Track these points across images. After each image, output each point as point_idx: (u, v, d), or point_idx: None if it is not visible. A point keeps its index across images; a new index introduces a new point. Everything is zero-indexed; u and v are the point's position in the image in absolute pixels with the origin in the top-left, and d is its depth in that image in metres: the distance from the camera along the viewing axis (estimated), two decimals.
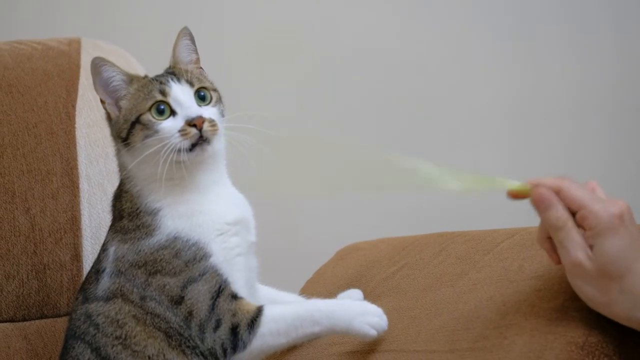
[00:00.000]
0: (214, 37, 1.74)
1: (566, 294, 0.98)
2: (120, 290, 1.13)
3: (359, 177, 1.05)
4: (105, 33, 1.78)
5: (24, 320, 1.40)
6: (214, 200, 1.17)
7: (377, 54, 2.08)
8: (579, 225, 0.92)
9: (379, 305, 1.15)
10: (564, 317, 0.97)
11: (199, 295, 1.11)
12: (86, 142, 1.49)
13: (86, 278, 1.20)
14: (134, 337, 1.11)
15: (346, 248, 1.52)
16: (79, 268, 1.43)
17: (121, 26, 2.09)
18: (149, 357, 1.10)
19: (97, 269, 1.16)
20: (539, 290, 1.02)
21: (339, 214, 2.09)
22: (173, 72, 1.19)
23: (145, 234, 1.13)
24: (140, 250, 1.13)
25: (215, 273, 1.12)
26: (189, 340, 1.11)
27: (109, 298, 1.13)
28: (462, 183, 1.00)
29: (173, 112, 1.15)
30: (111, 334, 1.12)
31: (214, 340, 1.10)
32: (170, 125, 1.13)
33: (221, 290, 1.11)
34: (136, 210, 1.15)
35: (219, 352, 1.10)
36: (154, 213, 1.14)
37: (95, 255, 1.23)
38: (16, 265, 1.39)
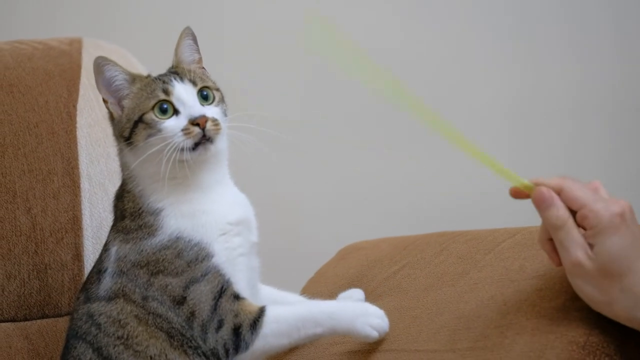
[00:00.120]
0: (214, 37, 1.74)
1: (567, 293, 0.98)
2: (122, 290, 1.13)
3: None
4: (106, 33, 1.78)
5: (26, 320, 1.40)
6: (216, 200, 1.17)
7: (377, 54, 2.07)
8: (580, 224, 0.92)
9: (380, 304, 1.15)
10: (565, 316, 0.97)
11: (201, 295, 1.11)
12: (87, 141, 1.49)
13: (87, 278, 1.19)
14: (136, 337, 1.11)
15: (347, 247, 1.52)
16: (80, 268, 1.43)
17: (122, 26, 2.09)
18: (151, 357, 1.10)
19: (98, 269, 1.16)
20: (540, 289, 1.02)
21: (340, 213, 2.09)
22: (176, 72, 1.19)
23: (148, 234, 1.13)
24: (142, 250, 1.13)
25: (218, 273, 1.12)
26: (191, 341, 1.11)
27: (110, 298, 1.13)
28: (476, 153, 1.00)
29: (176, 112, 1.15)
30: (113, 334, 1.12)
31: (216, 341, 1.10)
32: (173, 124, 1.13)
33: (223, 291, 1.11)
34: (138, 210, 1.15)
35: (221, 352, 1.10)
36: (156, 213, 1.14)
37: (97, 255, 1.23)
38: (17, 265, 1.39)
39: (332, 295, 1.30)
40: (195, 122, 1.13)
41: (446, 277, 1.18)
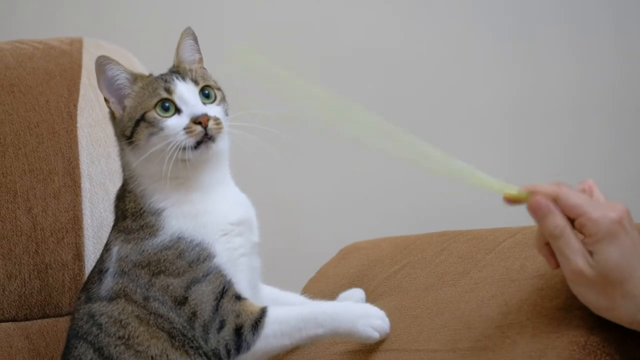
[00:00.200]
0: (214, 37, 1.74)
1: (568, 293, 0.98)
2: (124, 291, 1.13)
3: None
4: (106, 33, 1.78)
5: (26, 319, 1.40)
6: (217, 200, 1.17)
7: (377, 54, 2.08)
8: (578, 231, 0.92)
9: (381, 304, 1.15)
10: (566, 316, 0.97)
11: (203, 296, 1.11)
12: (88, 141, 1.49)
13: (88, 278, 1.19)
14: (137, 337, 1.11)
15: (348, 247, 1.52)
16: (81, 267, 1.43)
17: (122, 26, 2.09)
18: (152, 358, 1.10)
19: (100, 269, 1.16)
20: (540, 289, 1.02)
21: (340, 213, 2.09)
22: (177, 71, 1.19)
23: (149, 234, 1.13)
24: (143, 251, 1.13)
25: (219, 274, 1.12)
26: (192, 341, 1.11)
27: (112, 298, 1.13)
28: (459, 173, 0.99)
29: (178, 110, 1.15)
30: (114, 334, 1.12)
31: (218, 341, 1.10)
32: (175, 123, 1.13)
33: (225, 291, 1.11)
34: (140, 210, 1.15)
35: (223, 352, 1.10)
36: (157, 213, 1.14)
37: (97, 255, 1.23)
38: (18, 265, 1.39)
39: (332, 294, 1.30)
40: (197, 120, 1.13)
41: (447, 276, 1.18)
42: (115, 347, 1.11)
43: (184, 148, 1.12)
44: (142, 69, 1.53)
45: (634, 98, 1.99)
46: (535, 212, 0.92)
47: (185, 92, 1.15)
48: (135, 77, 1.19)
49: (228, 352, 1.10)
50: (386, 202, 2.08)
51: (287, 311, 1.11)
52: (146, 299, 1.12)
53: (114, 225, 1.19)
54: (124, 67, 1.19)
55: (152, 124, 1.14)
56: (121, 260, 1.14)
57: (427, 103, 2.08)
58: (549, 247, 0.94)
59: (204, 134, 1.13)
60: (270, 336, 1.10)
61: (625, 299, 0.89)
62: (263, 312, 1.10)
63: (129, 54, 1.60)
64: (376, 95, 2.10)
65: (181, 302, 1.11)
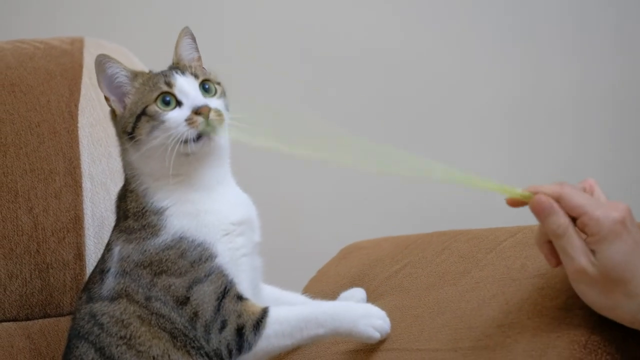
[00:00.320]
0: (214, 37, 1.74)
1: (569, 292, 0.98)
2: (125, 291, 1.13)
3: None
4: (107, 32, 1.79)
5: (27, 319, 1.40)
6: (219, 199, 1.17)
7: (377, 54, 2.08)
8: (581, 230, 0.92)
9: (382, 304, 1.16)
10: (567, 315, 0.97)
11: (205, 296, 1.11)
12: (89, 141, 1.49)
13: (90, 278, 1.19)
14: (139, 337, 1.11)
15: (349, 247, 1.52)
16: (82, 267, 1.43)
17: (123, 26, 2.09)
18: (154, 358, 1.10)
19: (101, 269, 1.16)
20: (541, 288, 1.02)
21: (341, 213, 2.09)
22: (177, 67, 1.20)
23: (151, 233, 1.13)
24: (145, 250, 1.13)
25: (221, 274, 1.12)
26: (194, 341, 1.11)
27: (113, 298, 1.13)
28: (459, 177, 0.99)
29: (179, 103, 1.15)
30: (116, 334, 1.12)
31: (220, 341, 1.10)
32: (176, 115, 1.13)
33: (227, 291, 1.11)
34: (142, 209, 1.15)
35: (224, 353, 1.10)
36: (159, 212, 1.14)
37: (98, 255, 1.23)
38: (19, 265, 1.39)
39: (333, 294, 1.30)
40: (198, 111, 1.13)
41: (448, 276, 1.18)
42: (116, 347, 1.11)
43: (186, 141, 1.12)
44: (142, 68, 1.53)
45: (634, 98, 2.00)
46: (538, 211, 0.93)
47: (186, 85, 1.15)
48: (135, 75, 1.19)
49: (230, 352, 1.10)
50: (387, 202, 2.08)
51: (288, 311, 1.11)
52: (148, 299, 1.12)
53: (115, 225, 1.19)
54: (124, 65, 1.19)
55: (153, 117, 1.14)
56: (123, 260, 1.14)
57: (427, 103, 2.08)
58: (549, 246, 0.94)
59: (205, 124, 1.13)
60: (272, 336, 1.10)
61: (627, 298, 0.89)
62: (264, 312, 1.11)
63: (130, 54, 1.60)
64: (376, 95, 2.11)
65: (183, 302, 1.11)
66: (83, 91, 1.51)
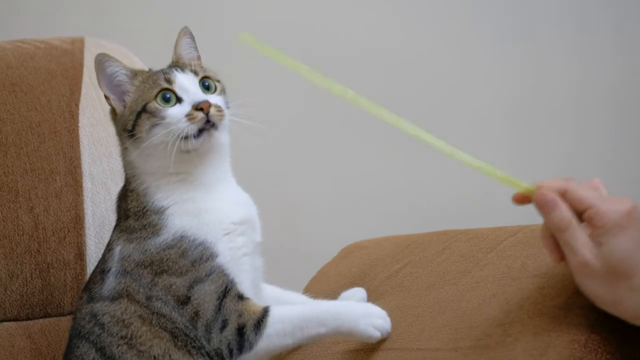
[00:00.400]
0: (214, 37, 1.74)
1: (569, 291, 0.98)
2: (126, 290, 1.13)
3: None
4: (108, 32, 1.79)
5: (28, 319, 1.40)
6: (219, 198, 1.17)
7: (377, 54, 2.08)
8: (587, 223, 0.92)
9: (382, 303, 1.16)
10: (567, 314, 0.97)
11: (206, 295, 1.11)
12: (89, 141, 1.49)
13: (91, 278, 1.19)
14: (140, 337, 1.11)
15: (350, 246, 1.53)
16: (83, 267, 1.43)
17: (123, 26, 2.09)
18: (155, 357, 1.10)
19: (102, 269, 1.16)
20: (541, 288, 1.02)
21: (341, 213, 2.09)
22: (177, 65, 1.20)
23: (152, 233, 1.13)
24: (146, 250, 1.13)
25: (222, 273, 1.12)
26: (195, 341, 1.11)
27: (114, 298, 1.13)
28: (475, 162, 1.00)
29: (179, 100, 1.15)
30: (116, 334, 1.12)
31: (220, 341, 1.10)
32: (177, 111, 1.14)
33: (227, 291, 1.11)
34: (143, 209, 1.15)
35: (225, 352, 1.10)
36: (160, 211, 1.14)
37: (99, 254, 1.23)
38: (20, 264, 1.39)
39: (334, 294, 1.30)
40: (198, 107, 1.13)
41: (448, 275, 1.19)
42: (117, 347, 1.11)
43: (187, 137, 1.12)
44: (143, 67, 1.53)
45: (634, 98, 2.00)
46: (541, 205, 0.92)
47: (185, 82, 1.16)
48: (135, 73, 1.19)
49: (230, 351, 1.10)
50: (387, 202, 2.08)
51: (289, 310, 1.12)
52: (149, 298, 1.12)
53: (116, 225, 1.19)
54: (124, 64, 1.19)
55: (153, 114, 1.14)
56: (124, 260, 1.14)
57: (427, 103, 2.08)
58: (553, 240, 0.94)
59: (205, 120, 1.13)
60: (273, 335, 1.10)
61: (631, 292, 0.89)
62: (265, 311, 1.11)
63: (130, 53, 1.60)
64: (376, 95, 2.08)
65: (184, 301, 1.11)
66: (84, 91, 1.51)
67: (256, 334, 1.09)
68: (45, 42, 1.56)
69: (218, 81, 1.21)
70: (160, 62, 1.24)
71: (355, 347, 1.17)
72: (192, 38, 1.24)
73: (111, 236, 1.19)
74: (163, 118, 1.13)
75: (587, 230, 0.92)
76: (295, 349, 1.22)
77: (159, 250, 1.12)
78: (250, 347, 1.10)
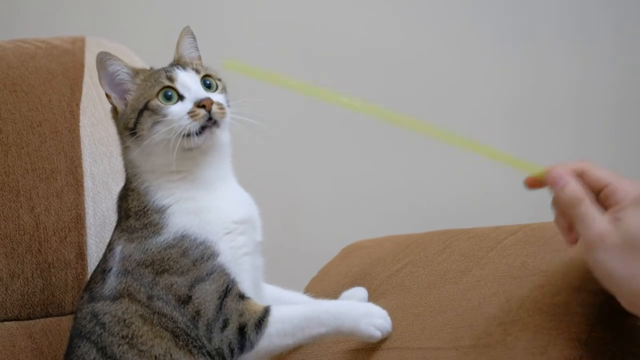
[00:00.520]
0: (214, 37, 1.74)
1: (569, 289, 0.98)
2: (127, 290, 1.13)
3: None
4: (108, 32, 1.79)
5: (29, 318, 1.40)
6: (220, 197, 1.17)
7: (377, 54, 2.09)
8: (603, 202, 0.91)
9: (383, 302, 1.16)
10: (567, 313, 0.97)
11: (207, 294, 1.11)
12: (90, 140, 1.49)
13: (92, 277, 1.19)
14: (141, 336, 1.11)
15: (351, 246, 1.53)
16: (84, 266, 1.43)
17: (124, 25, 2.09)
18: (156, 357, 1.10)
19: (103, 269, 1.16)
20: (542, 286, 1.02)
21: (342, 213, 2.09)
22: (178, 63, 1.20)
23: (153, 232, 1.13)
24: (147, 249, 1.13)
25: (223, 272, 1.12)
26: (196, 340, 1.11)
27: (115, 297, 1.13)
28: (488, 151, 1.00)
29: (181, 97, 1.15)
30: (117, 334, 1.12)
31: (221, 340, 1.10)
32: (179, 109, 1.14)
33: (229, 290, 1.11)
34: (143, 208, 1.15)
35: (226, 352, 1.10)
36: (162, 210, 1.14)
37: (100, 254, 1.23)
38: (21, 264, 1.39)
39: (335, 293, 1.30)
40: (200, 104, 1.13)
41: (449, 274, 1.19)
42: (118, 347, 1.11)
43: (189, 135, 1.12)
44: (144, 66, 1.54)
45: (634, 98, 2.00)
46: (554, 182, 0.92)
47: (187, 80, 1.16)
48: (136, 72, 1.20)
49: (231, 351, 1.10)
50: (388, 201, 2.09)
51: (290, 310, 1.12)
52: (150, 298, 1.12)
53: (116, 225, 1.19)
54: (125, 62, 1.19)
55: (155, 111, 1.14)
56: (125, 260, 1.14)
57: (427, 103, 2.08)
58: (567, 221, 0.92)
59: (208, 117, 1.13)
60: (274, 335, 1.10)
61: None
62: (266, 311, 1.11)
63: (131, 53, 1.60)
64: (376, 95, 2.10)
65: (185, 301, 1.11)
66: (84, 90, 1.51)
67: (257, 333, 1.09)
68: (46, 41, 1.56)
69: (219, 80, 1.21)
70: (161, 61, 1.25)
71: (356, 346, 1.17)
72: (194, 38, 1.25)
73: (112, 236, 1.19)
74: (165, 115, 1.13)
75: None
76: (296, 348, 1.22)
77: (160, 250, 1.12)
78: (251, 347, 1.10)
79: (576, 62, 2.03)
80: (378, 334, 1.11)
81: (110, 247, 1.17)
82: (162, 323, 1.11)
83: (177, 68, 1.18)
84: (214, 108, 1.13)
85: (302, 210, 2.11)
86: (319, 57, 2.10)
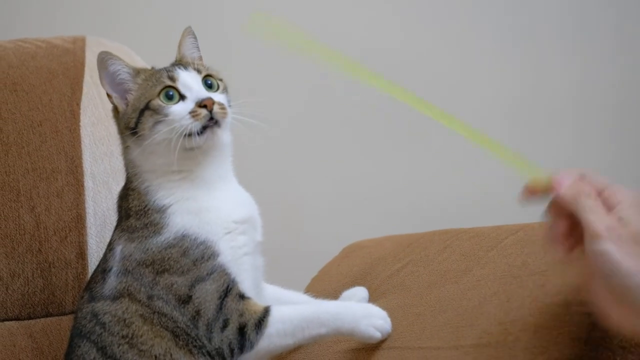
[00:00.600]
0: (215, 37, 1.74)
1: (570, 289, 0.98)
2: (128, 290, 1.13)
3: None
4: (108, 32, 1.79)
5: (30, 318, 1.40)
6: (221, 197, 1.17)
7: (377, 54, 2.08)
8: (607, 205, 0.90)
9: (384, 302, 1.16)
10: (568, 312, 0.97)
11: (207, 294, 1.11)
12: (91, 140, 1.49)
13: (92, 277, 1.19)
14: (141, 336, 1.11)
15: (351, 246, 1.53)
16: (84, 266, 1.43)
17: (124, 25, 2.09)
18: (156, 357, 1.10)
19: (103, 268, 1.16)
20: (542, 285, 1.02)
21: (342, 213, 2.09)
22: (180, 63, 1.20)
23: (153, 232, 1.13)
24: (147, 249, 1.13)
25: (223, 272, 1.12)
26: (196, 340, 1.11)
27: (115, 297, 1.13)
28: (494, 146, 0.99)
29: (182, 97, 1.15)
30: (117, 333, 1.12)
31: (222, 340, 1.10)
32: (180, 108, 1.14)
33: (229, 290, 1.11)
34: (144, 207, 1.15)
35: (226, 352, 1.10)
36: (162, 210, 1.14)
37: (101, 254, 1.23)
38: (21, 264, 1.39)
39: (336, 293, 1.30)
40: (202, 104, 1.13)
41: (449, 274, 1.19)
42: (118, 346, 1.11)
43: (190, 134, 1.12)
44: (144, 66, 1.54)
45: (634, 98, 2.00)
46: (559, 183, 0.92)
47: (189, 79, 1.16)
48: (137, 71, 1.19)
49: (231, 351, 1.10)
50: (388, 201, 2.09)
51: (290, 310, 1.12)
52: (150, 297, 1.12)
53: (117, 225, 1.19)
54: (126, 62, 1.19)
55: (156, 111, 1.14)
56: (125, 259, 1.14)
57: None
58: (566, 224, 0.92)
59: (209, 117, 1.13)
60: (274, 335, 1.10)
61: None
62: (266, 311, 1.11)
63: (132, 53, 1.60)
64: (376, 95, 2.10)
65: (185, 300, 1.11)
66: (85, 90, 1.51)
67: (257, 333, 1.09)
68: (47, 41, 1.56)
69: (220, 80, 1.21)
70: (162, 61, 1.25)
71: (357, 346, 1.17)
72: (195, 38, 1.25)
73: (112, 235, 1.19)
74: (166, 115, 1.13)
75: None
76: (296, 348, 1.22)
77: (160, 249, 1.12)
78: (251, 347, 1.10)
79: (576, 62, 2.03)
80: (378, 335, 1.11)
81: (110, 247, 1.17)
82: (162, 323, 1.11)
83: (179, 68, 1.18)
84: (216, 108, 1.13)
85: (302, 210, 2.11)
86: (319, 57, 2.09)
